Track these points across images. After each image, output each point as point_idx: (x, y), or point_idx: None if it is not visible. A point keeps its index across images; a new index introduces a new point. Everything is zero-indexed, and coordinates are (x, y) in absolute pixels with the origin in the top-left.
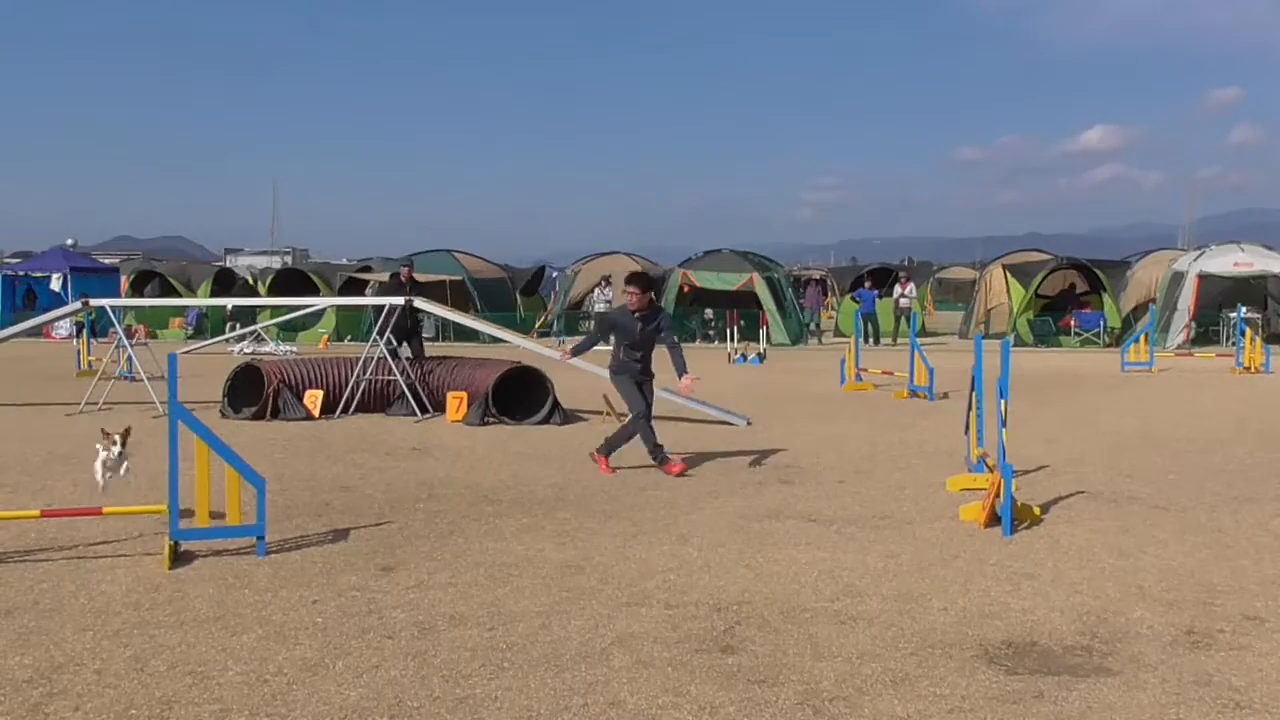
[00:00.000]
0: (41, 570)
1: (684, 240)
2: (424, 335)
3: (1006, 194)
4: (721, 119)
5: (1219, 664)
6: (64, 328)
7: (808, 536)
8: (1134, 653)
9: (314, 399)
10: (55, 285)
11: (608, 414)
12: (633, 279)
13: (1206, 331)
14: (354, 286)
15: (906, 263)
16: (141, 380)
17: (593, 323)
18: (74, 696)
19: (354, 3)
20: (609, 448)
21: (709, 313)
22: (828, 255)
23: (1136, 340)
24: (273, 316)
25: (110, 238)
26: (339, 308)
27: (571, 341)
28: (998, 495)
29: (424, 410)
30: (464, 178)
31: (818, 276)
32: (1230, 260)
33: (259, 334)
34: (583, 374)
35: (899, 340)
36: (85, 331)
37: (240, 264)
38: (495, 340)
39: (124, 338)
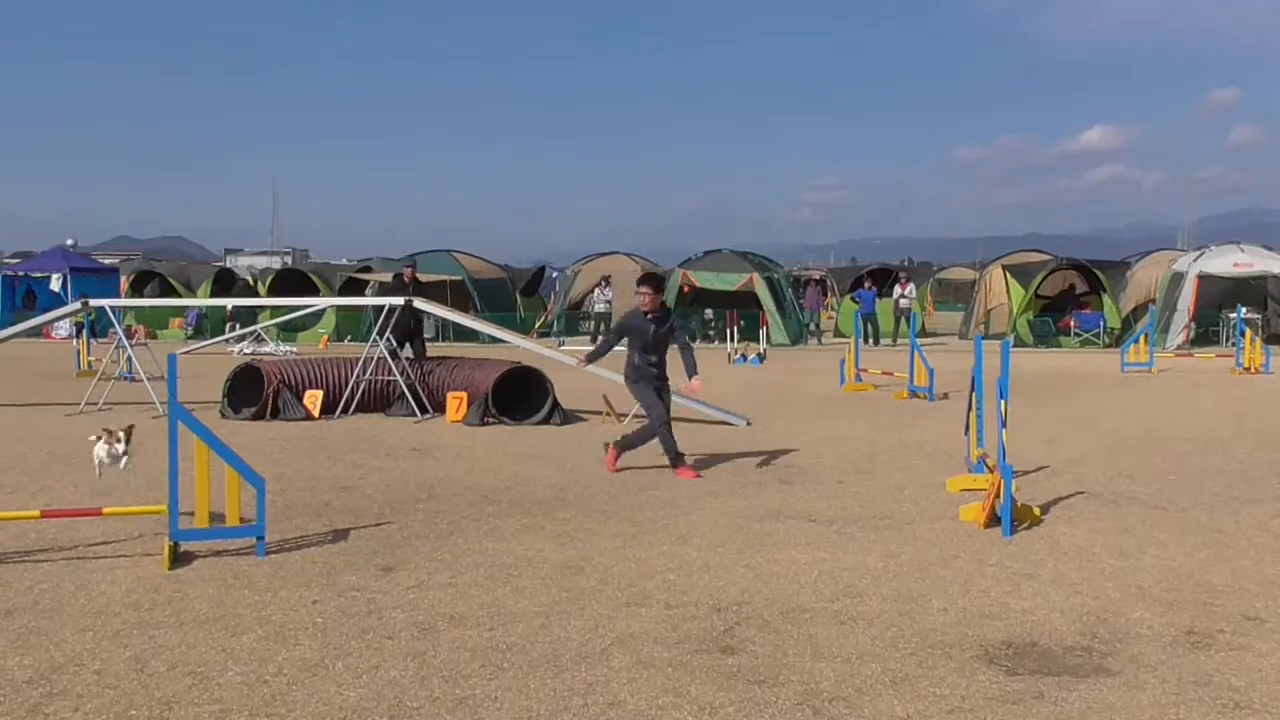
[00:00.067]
0: (41, 570)
1: (684, 240)
2: (424, 335)
3: (1006, 194)
4: (721, 119)
5: (1219, 664)
6: (64, 328)
7: (808, 537)
8: (1134, 653)
9: (314, 399)
10: (55, 285)
11: (607, 414)
12: (645, 280)
13: (1206, 332)
14: (354, 287)
15: (906, 263)
16: (141, 380)
17: (593, 323)
18: (74, 697)
19: (354, 3)
20: (625, 444)
21: (709, 313)
22: (828, 255)
23: (1136, 341)
24: (273, 317)
25: (110, 238)
26: (339, 308)
27: (580, 348)
28: (998, 496)
29: (424, 410)
30: (464, 178)
31: (817, 277)
32: (1230, 261)
33: (259, 334)
34: (583, 374)
35: (899, 341)
36: (85, 332)
37: (240, 264)
38: (495, 340)
39: (124, 338)
